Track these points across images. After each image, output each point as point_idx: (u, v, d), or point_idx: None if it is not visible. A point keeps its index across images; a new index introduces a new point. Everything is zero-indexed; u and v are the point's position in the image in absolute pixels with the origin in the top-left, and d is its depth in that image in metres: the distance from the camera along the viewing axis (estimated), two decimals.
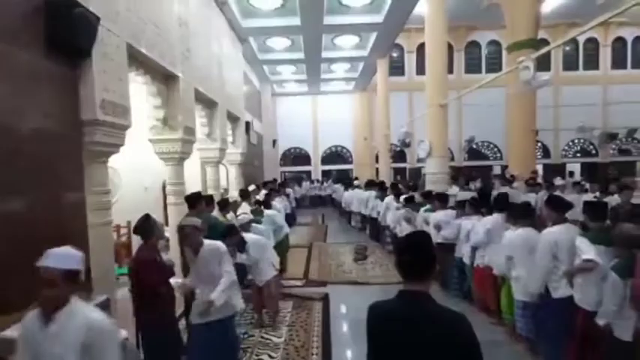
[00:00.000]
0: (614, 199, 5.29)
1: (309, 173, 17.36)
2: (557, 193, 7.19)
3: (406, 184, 9.10)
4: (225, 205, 4.88)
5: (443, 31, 6.85)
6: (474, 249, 3.96)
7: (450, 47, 15.44)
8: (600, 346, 2.45)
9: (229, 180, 9.09)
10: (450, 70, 15.44)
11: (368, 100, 16.07)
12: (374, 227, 8.24)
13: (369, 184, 9.17)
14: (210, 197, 4.55)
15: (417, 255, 1.31)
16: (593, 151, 15.97)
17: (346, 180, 13.28)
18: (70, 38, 2.53)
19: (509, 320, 3.49)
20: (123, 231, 5.50)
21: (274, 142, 15.98)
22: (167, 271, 2.78)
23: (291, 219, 10.68)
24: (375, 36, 10.16)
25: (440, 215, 4.67)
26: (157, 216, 5.75)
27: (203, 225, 3.03)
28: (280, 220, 5.52)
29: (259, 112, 14.69)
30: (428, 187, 6.92)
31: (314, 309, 4.43)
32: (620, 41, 15.49)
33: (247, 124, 10.16)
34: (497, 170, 15.20)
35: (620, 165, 15.28)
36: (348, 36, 10.35)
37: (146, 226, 2.69)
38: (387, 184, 8.83)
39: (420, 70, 7.60)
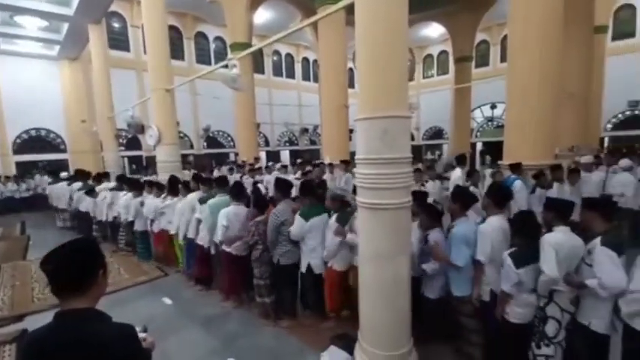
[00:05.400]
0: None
1: None
2: (278, 174, 9.24)
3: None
4: None
5: (162, 12, 6.54)
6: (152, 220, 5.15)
7: (180, 33, 15.30)
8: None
9: None
10: (182, 57, 15.41)
11: (84, 73, 13.08)
12: (83, 223, 7.43)
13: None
14: None
15: (62, 265, 1.07)
16: (296, 141, 21.22)
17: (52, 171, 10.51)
18: None
19: (181, 264, 4.95)
20: None
21: None
22: None
23: None
24: None
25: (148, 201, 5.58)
26: None
27: None
28: None
29: None
30: (161, 175, 6.72)
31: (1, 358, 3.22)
32: (305, 60, 21.19)
33: None
34: (232, 157, 17.05)
35: (312, 152, 21.29)
36: None
37: None
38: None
39: None
